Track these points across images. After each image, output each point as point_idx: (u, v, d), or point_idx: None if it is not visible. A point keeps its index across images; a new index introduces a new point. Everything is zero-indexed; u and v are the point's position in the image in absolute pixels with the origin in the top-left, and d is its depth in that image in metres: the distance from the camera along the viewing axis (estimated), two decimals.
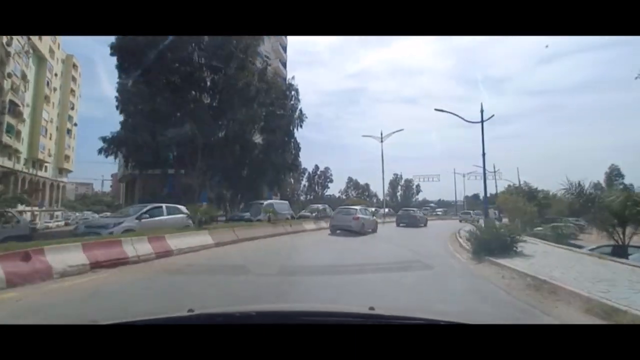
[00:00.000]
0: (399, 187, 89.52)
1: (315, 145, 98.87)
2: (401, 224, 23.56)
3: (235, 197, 24.70)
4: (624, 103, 71.76)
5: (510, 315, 4.16)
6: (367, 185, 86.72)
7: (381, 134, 31.30)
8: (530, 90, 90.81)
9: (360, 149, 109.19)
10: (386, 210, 34.13)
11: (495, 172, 32.79)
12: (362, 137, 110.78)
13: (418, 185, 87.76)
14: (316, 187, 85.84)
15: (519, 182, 39.92)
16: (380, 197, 72.30)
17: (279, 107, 22.48)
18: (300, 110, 24.82)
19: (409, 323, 1.34)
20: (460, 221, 34.35)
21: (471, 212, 37.75)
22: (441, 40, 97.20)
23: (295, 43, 73.44)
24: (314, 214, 22.79)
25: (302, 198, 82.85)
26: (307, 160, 78.69)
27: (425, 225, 24.79)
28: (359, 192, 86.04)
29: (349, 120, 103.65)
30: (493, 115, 19.07)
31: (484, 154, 17.94)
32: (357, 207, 18.07)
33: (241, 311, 1.43)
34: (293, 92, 24.29)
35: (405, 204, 75.21)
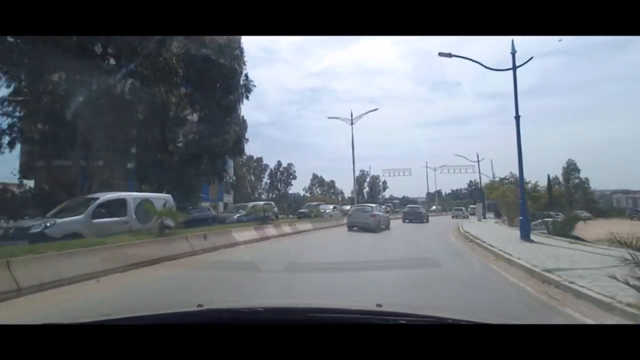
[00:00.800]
0: (366, 184, 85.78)
1: (280, 144, 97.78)
2: (406, 220, 24.11)
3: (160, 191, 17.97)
4: (566, 107, 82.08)
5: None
6: (332, 182, 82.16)
7: (351, 115, 26.07)
8: (484, 93, 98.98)
9: (326, 147, 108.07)
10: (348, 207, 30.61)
11: (478, 161, 28.60)
12: (327, 137, 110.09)
13: (384, 182, 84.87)
14: (279, 185, 79.74)
15: (493, 176, 36.90)
16: (347, 194, 67.80)
17: (214, 68, 15.92)
18: (247, 77, 18.37)
19: (415, 321, 1.32)
20: (453, 217, 34.96)
21: (463, 208, 39.89)
22: (402, 42, 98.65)
23: (256, 38, 67.25)
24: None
25: (263, 196, 76.82)
26: (272, 159, 77.29)
27: (427, 221, 25.45)
28: (324, 189, 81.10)
29: (313, 119, 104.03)
30: None
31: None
32: (373, 205, 18.91)
33: (249, 307, 1.46)
34: (236, 51, 17.78)
35: (371, 200, 71.76)
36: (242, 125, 19.00)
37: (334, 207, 27.42)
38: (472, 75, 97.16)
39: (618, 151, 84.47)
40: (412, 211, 25.42)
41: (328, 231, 17.45)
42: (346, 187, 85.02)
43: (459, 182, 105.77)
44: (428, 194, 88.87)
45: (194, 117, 18.31)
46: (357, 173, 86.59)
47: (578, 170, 56.00)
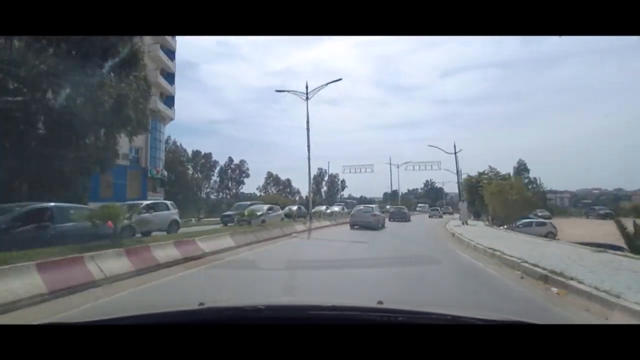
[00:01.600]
0: (324, 183, 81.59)
1: (239, 143, 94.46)
2: (392, 219, 25.62)
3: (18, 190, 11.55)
4: (507, 114, 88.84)
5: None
6: (288, 180, 76.79)
7: (306, 88, 21.05)
8: (435, 99, 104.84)
9: (287, 147, 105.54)
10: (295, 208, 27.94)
11: (456, 153, 25.14)
12: (288, 136, 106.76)
13: (343, 181, 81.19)
14: (230, 183, 72.71)
15: (458, 170, 34.57)
16: (304, 193, 63.09)
17: None
18: None
19: (416, 318, 1.33)
20: (430, 217, 37.18)
21: (439, 208, 43.31)
22: (362, 46, 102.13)
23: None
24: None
25: (212, 196, 69.47)
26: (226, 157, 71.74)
27: (409, 220, 27.62)
28: (280, 188, 75.49)
29: (273, 118, 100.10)
30: None
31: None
32: (373, 206, 22.26)
33: (251, 305, 1.42)
34: None
35: (330, 200, 67.72)
36: (146, 89, 12.89)
37: (270, 208, 20.39)
38: (425, 82, 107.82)
39: (551, 155, 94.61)
40: (398, 211, 27.87)
41: (260, 254, 9.57)
42: (303, 186, 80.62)
43: (417, 181, 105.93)
44: (385, 194, 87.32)
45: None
46: (315, 171, 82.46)
47: (528, 170, 57.49)
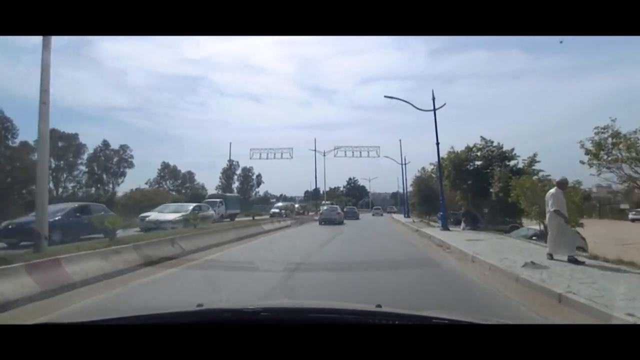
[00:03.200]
0: (235, 177, 68.16)
1: (145, 134, 78.10)
2: (346, 218, 27.63)
3: None
4: (417, 122, 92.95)
5: None
6: (190, 173, 61.47)
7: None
8: (354, 104, 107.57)
9: (203, 142, 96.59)
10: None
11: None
12: (205, 131, 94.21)
13: (259, 176, 69.06)
14: (104, 175, 54.55)
15: (403, 163, 27.62)
16: (211, 190, 49.66)
17: None
18: None
19: (414, 322, 1.33)
20: (373, 215, 42.41)
21: (380, 207, 50.28)
22: (285, 44, 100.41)
23: None
24: None
25: (80, 193, 50.81)
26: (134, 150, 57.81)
27: (358, 218, 32.46)
28: (178, 182, 59.92)
29: (188, 111, 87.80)
30: None
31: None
32: (337, 206, 29.42)
33: (249, 307, 1.43)
34: None
35: (244, 197, 55.76)
36: None
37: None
38: (345, 87, 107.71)
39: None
40: (350, 211, 33.22)
41: None
42: (211, 181, 66.45)
43: (339, 179, 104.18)
44: (307, 192, 78.74)
45: None
46: (225, 165, 69.14)
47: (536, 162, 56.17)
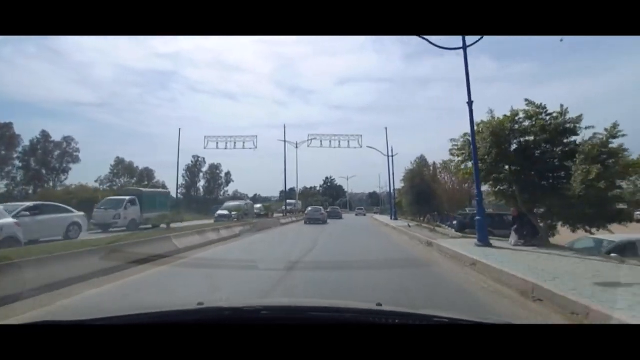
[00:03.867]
0: (201, 175, 61.69)
1: (107, 131, 72.91)
2: (330, 217, 29.43)
3: None
4: (392, 123, 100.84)
5: None
6: (148, 170, 54.28)
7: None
8: (331, 104, 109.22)
9: (174, 140, 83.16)
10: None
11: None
12: (176, 128, 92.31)
13: (229, 174, 62.88)
14: (43, 170, 46.82)
15: (390, 155, 23.68)
16: (171, 189, 43.55)
17: None
18: None
19: (415, 321, 1.32)
20: (356, 215, 45.74)
21: (363, 208, 51.99)
22: (263, 43, 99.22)
23: None
24: None
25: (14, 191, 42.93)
26: (100, 147, 60.99)
27: (342, 218, 34.72)
28: (135, 179, 52.70)
29: (158, 107, 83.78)
30: None
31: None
32: (321, 207, 30.14)
33: (250, 305, 1.44)
34: None
35: (211, 197, 49.88)
36: None
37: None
38: (323, 87, 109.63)
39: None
40: (334, 211, 35.55)
41: None
42: (172, 179, 59.52)
43: (316, 178, 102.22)
44: (282, 192, 73.08)
45: None
46: (190, 161, 62.38)
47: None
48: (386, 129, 26.90)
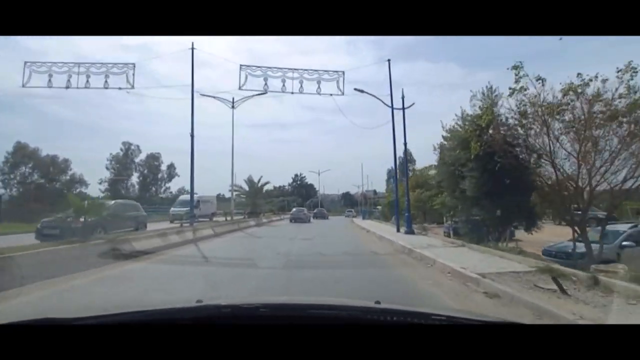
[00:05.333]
0: (135, 166, 48.89)
1: (62, 124, 63.63)
2: (315, 218, 34.19)
3: None
4: (363, 127, 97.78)
5: None
6: (65, 161, 41.40)
7: None
8: (305, 105, 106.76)
9: (138, 135, 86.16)
10: None
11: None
12: (139, 123, 79.28)
13: (172, 166, 50.45)
14: None
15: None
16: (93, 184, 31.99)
17: None
18: None
19: (413, 318, 1.35)
20: (346, 216, 46.51)
21: (352, 210, 51.85)
22: (231, 38, 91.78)
23: None
24: None
25: None
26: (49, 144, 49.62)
27: (327, 218, 37.81)
28: (35, 172, 39.51)
29: (123, 101, 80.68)
30: None
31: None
32: (304, 209, 34.31)
33: (249, 302, 1.45)
34: None
35: (146, 196, 38.20)
36: None
37: None
38: (295, 87, 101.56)
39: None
40: (319, 212, 38.07)
41: None
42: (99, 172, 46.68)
43: (284, 175, 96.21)
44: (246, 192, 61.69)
45: None
46: (120, 148, 49.46)
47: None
48: (389, 61, 17.64)
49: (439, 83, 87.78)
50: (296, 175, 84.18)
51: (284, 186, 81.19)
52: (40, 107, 62.36)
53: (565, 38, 10.93)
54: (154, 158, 49.56)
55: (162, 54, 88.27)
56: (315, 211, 37.23)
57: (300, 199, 71.15)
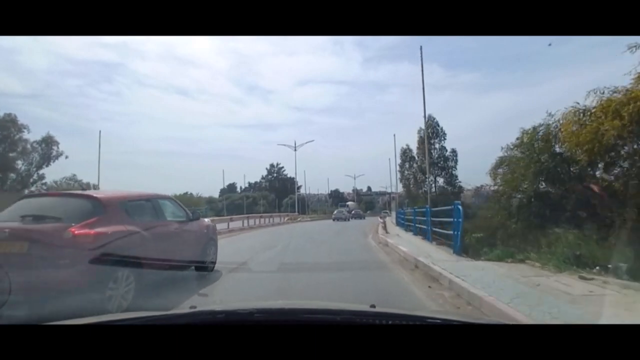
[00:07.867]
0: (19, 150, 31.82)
1: (41, 125, 66.08)
2: (353, 218, 38.29)
3: None
4: (350, 125, 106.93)
5: None
6: (59, 153, 32.40)
7: None
8: (291, 105, 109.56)
9: (121, 137, 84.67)
10: None
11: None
12: (121, 124, 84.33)
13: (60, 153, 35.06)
14: None
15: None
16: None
17: None
18: None
19: (408, 322, 1.33)
20: (381, 217, 41.70)
21: (388, 211, 44.96)
22: (218, 38, 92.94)
23: None
24: None
25: None
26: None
27: (364, 218, 40.56)
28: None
29: (101, 101, 77.71)
30: None
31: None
32: (344, 209, 39.72)
33: (243, 308, 1.42)
34: None
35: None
36: None
37: None
38: (283, 87, 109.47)
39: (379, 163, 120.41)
40: (357, 212, 43.21)
41: None
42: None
43: (257, 170, 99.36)
44: (223, 189, 60.60)
45: None
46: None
47: None
48: (421, 47, 19.91)
49: (419, 84, 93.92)
50: (272, 166, 75.32)
51: (259, 182, 76.43)
52: None
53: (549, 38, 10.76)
54: (48, 141, 31.18)
55: (142, 53, 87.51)
56: (353, 212, 41.57)
57: (273, 194, 64.69)
